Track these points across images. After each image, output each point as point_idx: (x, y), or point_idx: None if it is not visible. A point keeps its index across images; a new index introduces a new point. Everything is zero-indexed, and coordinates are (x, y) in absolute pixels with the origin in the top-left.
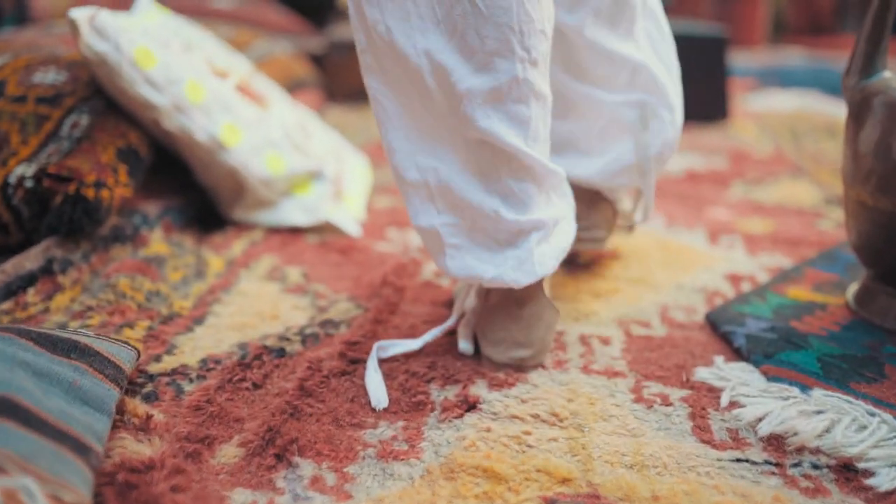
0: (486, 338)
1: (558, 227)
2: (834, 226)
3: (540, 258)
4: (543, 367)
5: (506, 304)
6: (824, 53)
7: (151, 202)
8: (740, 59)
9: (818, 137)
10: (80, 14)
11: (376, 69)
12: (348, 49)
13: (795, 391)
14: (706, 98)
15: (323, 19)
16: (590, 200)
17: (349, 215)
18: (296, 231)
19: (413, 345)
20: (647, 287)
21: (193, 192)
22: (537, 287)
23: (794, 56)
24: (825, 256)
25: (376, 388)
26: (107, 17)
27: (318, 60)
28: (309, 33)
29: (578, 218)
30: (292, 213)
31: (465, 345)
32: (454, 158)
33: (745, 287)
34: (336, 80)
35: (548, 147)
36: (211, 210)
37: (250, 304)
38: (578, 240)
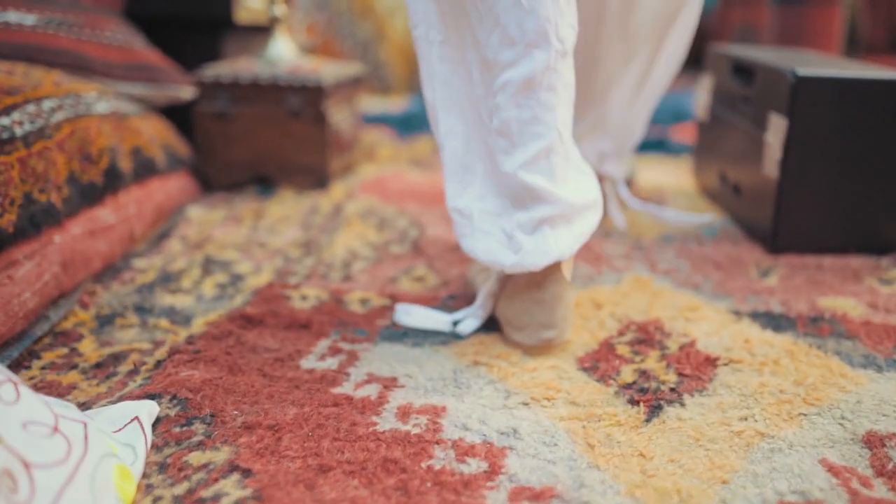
0: (511, 323)
1: (582, 214)
2: None
3: (556, 241)
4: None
5: (527, 289)
6: None
7: None
8: None
9: None
10: None
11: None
12: (239, 96)
13: None
14: (879, 209)
15: (216, 43)
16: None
17: None
18: None
19: (441, 320)
20: None
21: None
22: (556, 269)
23: None
24: None
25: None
26: None
27: (185, 118)
28: (173, 73)
29: None
30: None
31: (471, 323)
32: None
33: None
34: (212, 155)
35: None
36: None
37: None
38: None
